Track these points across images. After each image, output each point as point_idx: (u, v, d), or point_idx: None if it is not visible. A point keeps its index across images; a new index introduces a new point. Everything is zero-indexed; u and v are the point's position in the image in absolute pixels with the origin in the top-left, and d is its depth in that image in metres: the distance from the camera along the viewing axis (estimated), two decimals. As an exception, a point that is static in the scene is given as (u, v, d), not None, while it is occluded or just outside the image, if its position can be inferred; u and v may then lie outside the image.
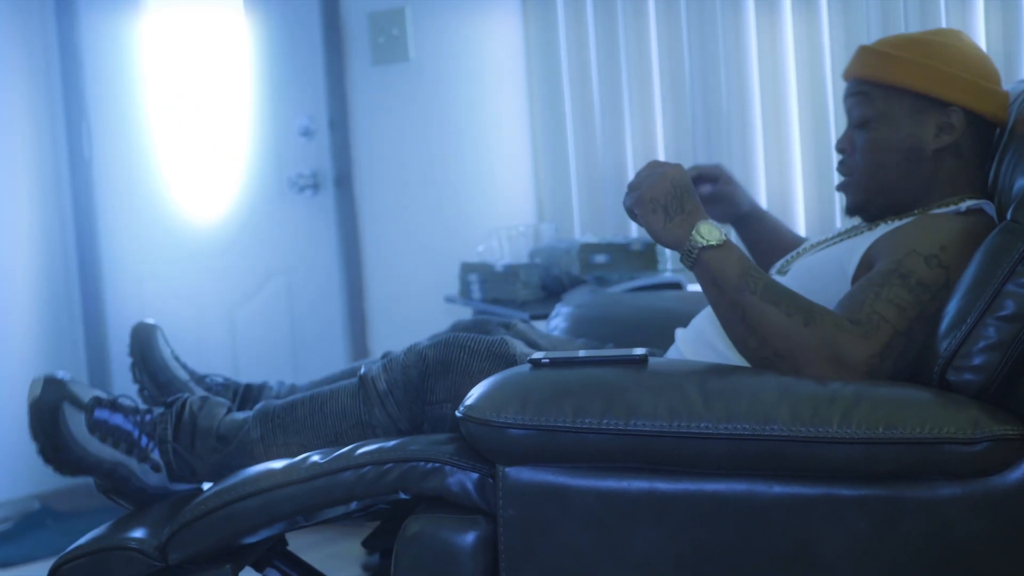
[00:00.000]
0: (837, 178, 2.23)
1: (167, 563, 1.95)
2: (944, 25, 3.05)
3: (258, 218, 4.40)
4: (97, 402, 2.07)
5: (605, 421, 1.72)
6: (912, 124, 2.06)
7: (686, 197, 1.89)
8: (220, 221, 4.48)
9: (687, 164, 3.49)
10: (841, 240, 2.13)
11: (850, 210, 2.18)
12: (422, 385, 2.02)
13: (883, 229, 2.03)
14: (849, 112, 2.16)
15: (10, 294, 4.63)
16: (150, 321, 2.46)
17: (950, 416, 1.67)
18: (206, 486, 2.13)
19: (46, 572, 2.04)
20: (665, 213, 1.88)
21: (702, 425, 1.70)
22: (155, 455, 2.08)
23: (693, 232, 1.86)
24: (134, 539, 1.97)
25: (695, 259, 1.86)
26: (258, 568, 2.27)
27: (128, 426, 2.08)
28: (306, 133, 4.24)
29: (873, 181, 2.11)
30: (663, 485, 1.74)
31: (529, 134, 3.82)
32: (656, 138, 3.57)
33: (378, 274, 4.16)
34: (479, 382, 1.93)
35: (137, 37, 4.59)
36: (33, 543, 4.22)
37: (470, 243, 3.81)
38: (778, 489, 1.72)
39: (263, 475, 1.94)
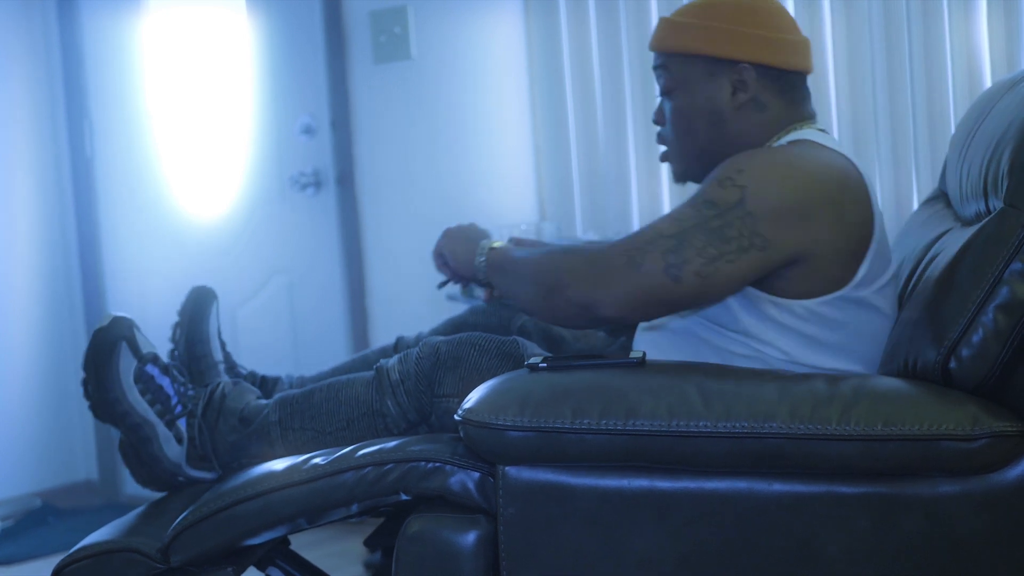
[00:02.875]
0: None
1: (169, 565, 1.95)
2: (946, 23, 3.05)
3: (260, 217, 4.40)
4: (153, 358, 2.15)
5: (604, 422, 1.72)
6: (708, 88, 2.08)
7: (472, 231, 2.23)
8: (222, 220, 4.48)
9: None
10: None
11: (676, 178, 2.21)
12: (432, 376, 2.08)
13: None
14: (658, 84, 2.18)
15: (11, 292, 4.64)
16: (210, 288, 2.48)
17: (949, 413, 1.67)
18: (207, 492, 2.13)
19: (47, 569, 2.04)
20: (466, 241, 2.20)
21: (701, 424, 1.70)
22: (182, 425, 2.14)
23: (481, 242, 2.16)
24: (136, 541, 1.98)
25: (485, 261, 2.12)
26: (260, 567, 2.27)
27: (170, 391, 2.15)
28: (308, 131, 4.24)
29: (686, 148, 2.13)
30: (664, 484, 1.75)
31: (531, 132, 3.82)
32: (658, 136, 3.57)
33: (380, 272, 4.16)
34: (487, 378, 1.97)
35: (139, 36, 4.59)
36: (34, 541, 4.22)
37: (472, 241, 3.81)
38: (778, 487, 1.72)
39: (264, 477, 1.95)
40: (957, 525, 1.68)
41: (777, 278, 1.93)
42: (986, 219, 1.84)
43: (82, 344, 4.75)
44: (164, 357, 2.24)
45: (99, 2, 4.67)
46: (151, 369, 2.13)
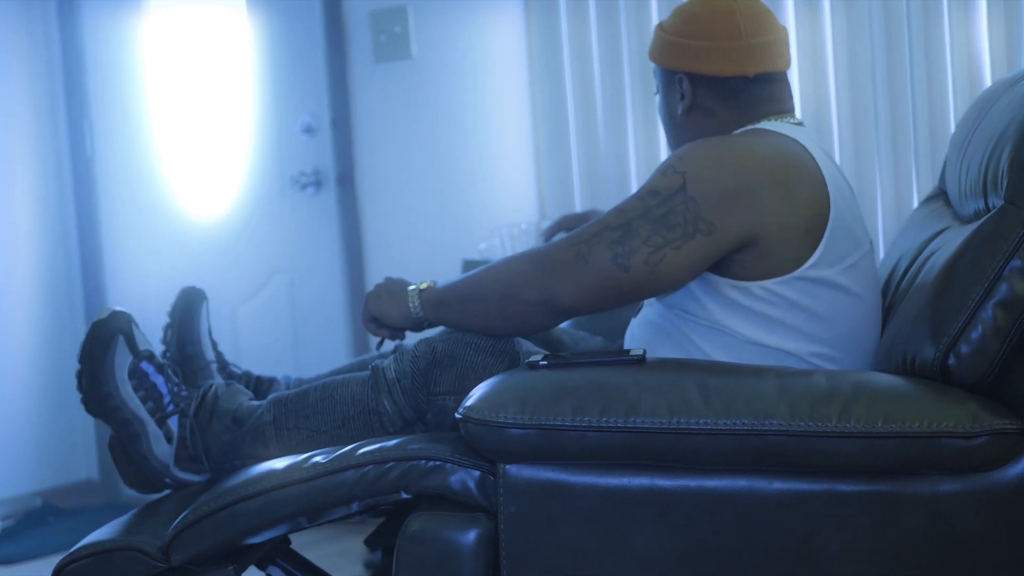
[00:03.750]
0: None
1: (170, 564, 1.95)
2: (946, 23, 3.05)
3: (260, 216, 4.40)
4: (148, 355, 2.14)
5: (604, 419, 1.73)
6: (668, 94, 2.21)
7: (403, 283, 2.20)
8: (222, 219, 4.48)
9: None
10: None
11: None
12: (428, 374, 2.08)
13: None
14: None
15: (12, 293, 4.64)
16: (200, 289, 2.48)
17: (949, 410, 1.67)
18: (207, 491, 2.13)
19: (48, 569, 2.04)
20: (389, 295, 2.19)
21: (701, 421, 1.70)
22: (172, 424, 2.13)
23: (408, 290, 2.16)
24: (137, 540, 1.97)
25: (419, 303, 2.13)
26: (261, 566, 2.27)
27: (163, 389, 2.14)
28: (308, 131, 4.24)
29: (669, 144, 2.26)
30: (664, 482, 1.75)
31: (531, 131, 3.82)
32: (658, 135, 3.57)
33: (380, 272, 4.15)
34: (483, 377, 1.97)
35: (139, 35, 4.59)
36: (35, 540, 4.22)
37: (472, 241, 3.81)
38: (779, 485, 1.72)
39: (265, 475, 1.94)
40: (957, 523, 1.68)
41: (731, 262, 1.97)
42: (986, 216, 1.84)
43: (83, 343, 4.75)
44: (178, 369, 2.24)
45: (99, 2, 4.67)
46: (146, 366, 2.13)
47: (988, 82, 3.00)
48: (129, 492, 4.64)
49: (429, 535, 1.82)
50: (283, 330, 4.40)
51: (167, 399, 2.13)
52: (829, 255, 1.98)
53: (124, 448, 2.12)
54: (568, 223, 2.79)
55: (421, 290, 2.15)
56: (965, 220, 2.10)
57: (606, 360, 1.86)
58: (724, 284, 1.99)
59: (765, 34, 2.13)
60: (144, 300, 4.54)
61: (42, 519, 4.46)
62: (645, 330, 2.13)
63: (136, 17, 4.58)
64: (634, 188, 3.60)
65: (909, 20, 3.11)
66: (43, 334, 4.73)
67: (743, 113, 2.14)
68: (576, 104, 3.69)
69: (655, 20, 3.52)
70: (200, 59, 4.48)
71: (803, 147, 2.03)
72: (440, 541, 1.81)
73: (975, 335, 1.74)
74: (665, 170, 1.97)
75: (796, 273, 1.97)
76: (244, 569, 1.99)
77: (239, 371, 2.46)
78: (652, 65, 2.23)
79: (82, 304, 4.80)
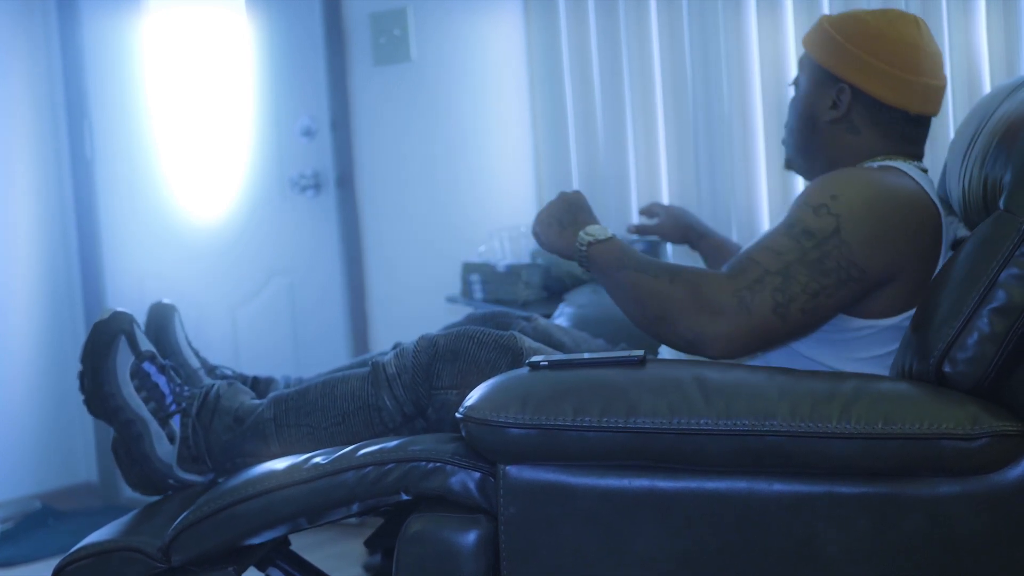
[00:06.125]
0: None
1: (170, 564, 1.95)
2: (945, 24, 3.05)
3: (260, 218, 4.40)
4: (151, 356, 2.15)
5: (605, 419, 1.73)
6: (813, 93, 2.18)
7: (579, 212, 2.12)
8: (222, 221, 4.48)
9: (689, 164, 3.50)
10: None
11: (784, 164, 2.33)
12: (430, 369, 2.08)
13: None
14: None
15: (12, 294, 4.64)
16: (168, 302, 2.48)
17: (949, 412, 1.67)
18: (207, 492, 2.13)
19: (47, 571, 2.04)
20: (559, 225, 2.11)
21: (702, 422, 1.70)
22: (175, 423, 2.14)
23: (580, 233, 2.05)
24: (137, 540, 1.97)
25: (585, 255, 2.04)
26: (261, 567, 2.28)
27: (165, 389, 2.15)
28: (308, 133, 4.24)
29: (790, 138, 2.26)
30: (664, 484, 1.75)
31: (531, 134, 3.82)
32: (657, 138, 3.57)
33: (380, 274, 4.16)
34: (485, 372, 1.99)
35: (139, 37, 4.60)
36: (34, 543, 4.22)
37: (472, 243, 3.81)
38: (779, 487, 1.72)
39: (265, 476, 1.95)
40: (957, 525, 1.68)
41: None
42: (982, 223, 1.85)
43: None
44: (179, 371, 2.24)
45: (99, 2, 4.67)
46: (148, 367, 2.13)
47: (987, 85, 3.00)
48: (129, 494, 4.65)
49: (429, 536, 1.82)
50: (283, 332, 4.40)
51: (169, 399, 2.14)
52: None
53: (127, 449, 2.12)
54: (656, 210, 2.76)
55: (594, 241, 2.03)
56: (970, 228, 2.11)
57: (607, 360, 1.86)
58: None
59: (938, 79, 2.15)
60: (144, 301, 4.49)
61: (42, 521, 4.46)
62: None
63: (136, 17, 4.59)
64: (633, 189, 3.61)
65: (909, 22, 3.11)
66: (43, 335, 4.73)
67: (886, 144, 2.14)
68: (576, 106, 3.70)
69: (654, 22, 3.52)
70: (200, 60, 4.48)
71: (931, 199, 2.04)
72: (440, 542, 1.81)
73: (971, 342, 1.74)
74: (818, 208, 1.93)
75: (893, 321, 2.00)
76: (244, 570, 1.99)
77: (230, 373, 2.47)
78: (800, 54, 2.23)
79: (82, 305, 4.80)
